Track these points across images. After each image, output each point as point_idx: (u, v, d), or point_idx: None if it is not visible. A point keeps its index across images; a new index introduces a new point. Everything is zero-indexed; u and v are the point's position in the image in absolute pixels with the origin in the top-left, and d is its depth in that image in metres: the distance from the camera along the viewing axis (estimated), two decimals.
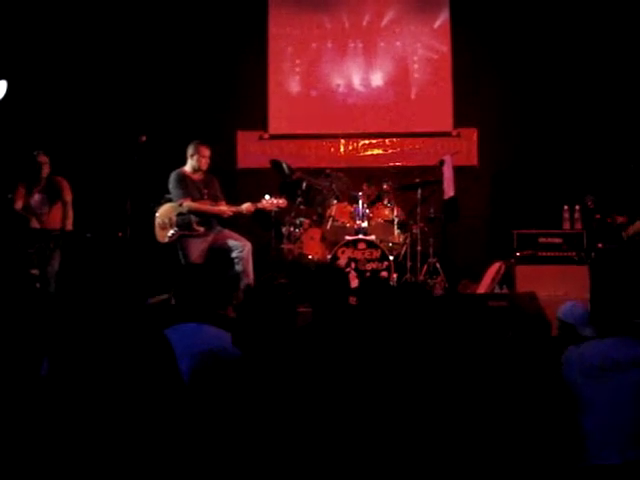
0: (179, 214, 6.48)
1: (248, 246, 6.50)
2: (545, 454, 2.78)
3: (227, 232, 6.63)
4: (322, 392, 2.65)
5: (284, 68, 8.71)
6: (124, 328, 2.55)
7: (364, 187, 7.44)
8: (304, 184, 7.37)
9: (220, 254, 6.54)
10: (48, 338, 2.99)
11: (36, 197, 6.55)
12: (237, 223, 6.92)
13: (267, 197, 6.66)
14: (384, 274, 6.83)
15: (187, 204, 6.47)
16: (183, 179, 6.53)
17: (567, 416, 3.00)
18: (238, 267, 6.45)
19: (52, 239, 6.33)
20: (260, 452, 2.52)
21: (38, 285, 6.24)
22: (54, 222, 6.55)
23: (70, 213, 6.57)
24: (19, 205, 6.50)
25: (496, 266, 7.18)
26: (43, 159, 6.52)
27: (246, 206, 6.55)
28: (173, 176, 6.56)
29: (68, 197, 6.60)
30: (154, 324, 2.97)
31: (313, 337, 3.01)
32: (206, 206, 6.51)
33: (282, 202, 6.75)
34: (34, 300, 3.47)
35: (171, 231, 6.44)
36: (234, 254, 6.48)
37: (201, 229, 6.49)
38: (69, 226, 6.54)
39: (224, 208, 6.57)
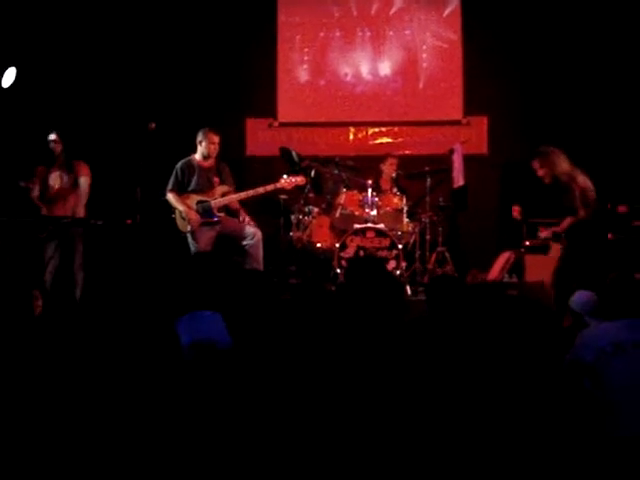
0: (198, 202, 6.48)
1: (258, 234, 6.49)
2: (561, 437, 2.79)
3: (237, 220, 6.63)
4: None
5: (293, 56, 8.70)
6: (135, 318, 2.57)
7: (391, 159, 7.59)
8: (313, 172, 7.35)
9: (229, 242, 6.54)
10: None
11: (53, 175, 6.52)
12: (247, 210, 6.92)
13: (285, 177, 6.64)
14: (392, 263, 6.82)
15: (168, 196, 6.51)
16: (184, 170, 6.51)
17: (578, 397, 3.04)
18: (248, 255, 6.45)
19: (62, 226, 6.33)
20: (258, 447, 2.51)
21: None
22: (71, 206, 6.52)
23: (84, 197, 6.57)
24: (36, 193, 6.48)
25: (506, 255, 7.17)
26: (52, 137, 6.52)
27: (267, 186, 6.52)
28: (178, 164, 6.58)
29: (83, 181, 6.60)
30: (164, 314, 2.99)
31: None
32: (182, 203, 6.47)
33: (300, 179, 6.68)
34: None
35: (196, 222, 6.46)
36: (244, 242, 6.46)
37: (222, 214, 6.50)
38: (80, 213, 6.54)
39: (235, 196, 6.55)
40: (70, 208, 6.52)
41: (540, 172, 5.98)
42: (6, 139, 7.41)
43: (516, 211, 6.66)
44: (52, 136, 6.53)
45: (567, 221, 5.90)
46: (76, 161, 6.62)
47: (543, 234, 6.29)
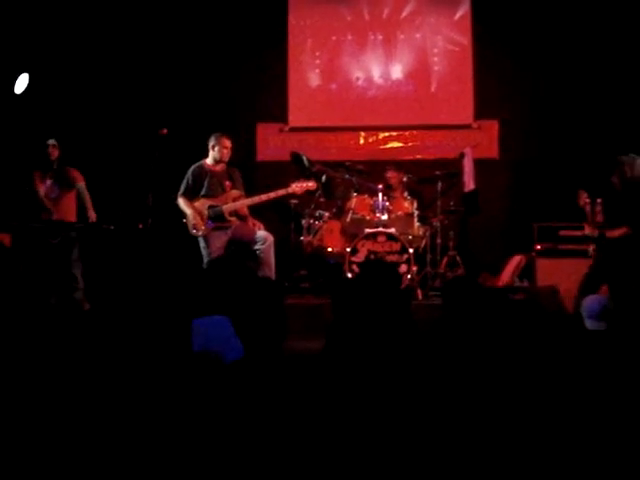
0: (210, 207, 6.52)
1: (270, 239, 6.50)
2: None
3: (248, 224, 6.65)
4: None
5: (304, 61, 8.71)
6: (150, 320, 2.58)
7: (390, 173, 7.48)
8: (324, 177, 7.37)
9: (241, 246, 6.57)
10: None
11: (48, 183, 6.69)
12: (258, 215, 6.95)
13: (296, 181, 6.67)
14: (403, 267, 6.83)
15: (179, 201, 6.57)
16: (197, 175, 6.56)
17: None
18: (260, 260, 6.47)
19: (74, 231, 6.40)
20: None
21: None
22: (64, 211, 6.69)
23: (88, 200, 6.68)
24: (42, 193, 6.63)
25: (517, 259, 7.17)
26: (51, 142, 6.67)
27: (279, 191, 6.58)
28: (190, 169, 6.63)
29: (82, 184, 6.72)
30: (176, 319, 3.00)
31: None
32: (190, 207, 6.51)
33: (312, 184, 6.70)
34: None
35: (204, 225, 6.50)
36: (256, 246, 6.49)
37: (233, 219, 6.54)
38: (93, 217, 6.64)
39: (248, 201, 6.60)
40: (64, 213, 6.66)
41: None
42: (19, 145, 7.47)
43: (584, 200, 5.96)
44: (51, 141, 6.66)
45: (623, 230, 5.48)
46: (69, 168, 6.74)
47: (588, 231, 5.82)
